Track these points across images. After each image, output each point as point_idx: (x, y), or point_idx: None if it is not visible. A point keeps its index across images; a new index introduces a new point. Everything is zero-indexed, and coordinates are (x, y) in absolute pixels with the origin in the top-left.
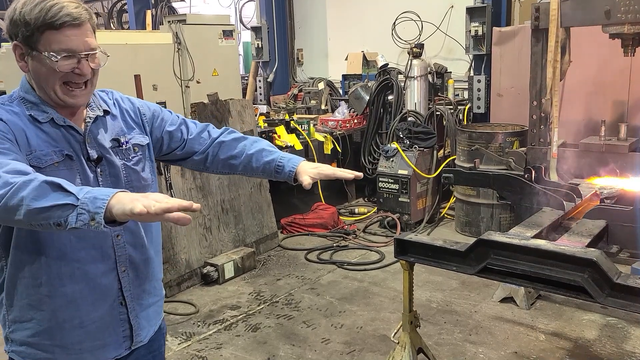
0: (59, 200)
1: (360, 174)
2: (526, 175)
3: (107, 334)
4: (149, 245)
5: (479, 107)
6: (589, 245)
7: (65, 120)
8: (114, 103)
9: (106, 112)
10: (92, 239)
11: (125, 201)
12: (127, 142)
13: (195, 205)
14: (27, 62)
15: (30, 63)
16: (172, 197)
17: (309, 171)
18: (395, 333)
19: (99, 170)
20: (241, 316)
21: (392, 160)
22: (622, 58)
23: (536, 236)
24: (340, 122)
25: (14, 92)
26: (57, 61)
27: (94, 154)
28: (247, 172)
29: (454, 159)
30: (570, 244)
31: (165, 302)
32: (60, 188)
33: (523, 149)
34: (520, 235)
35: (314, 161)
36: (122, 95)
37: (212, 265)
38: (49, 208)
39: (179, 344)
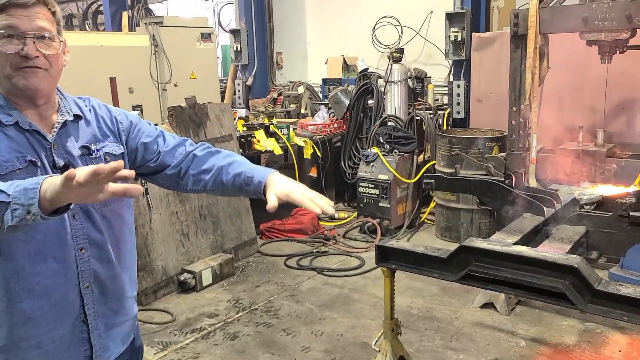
0: None
1: (332, 212)
2: (507, 181)
3: (68, 354)
4: (117, 260)
5: (458, 112)
6: (569, 252)
7: (32, 124)
8: (89, 109)
9: (77, 117)
10: (54, 251)
11: (56, 179)
12: (97, 151)
13: (128, 172)
14: None
15: None
16: (149, 203)
17: (277, 189)
18: (377, 341)
19: None
20: (219, 324)
21: (373, 165)
22: (599, 65)
23: (518, 242)
24: (320, 126)
25: None
26: None
27: (60, 161)
28: (218, 188)
29: (434, 164)
30: (551, 251)
31: (140, 310)
32: None
33: (502, 154)
34: (502, 242)
35: (294, 167)
36: (100, 102)
37: (189, 272)
38: None
39: (154, 353)
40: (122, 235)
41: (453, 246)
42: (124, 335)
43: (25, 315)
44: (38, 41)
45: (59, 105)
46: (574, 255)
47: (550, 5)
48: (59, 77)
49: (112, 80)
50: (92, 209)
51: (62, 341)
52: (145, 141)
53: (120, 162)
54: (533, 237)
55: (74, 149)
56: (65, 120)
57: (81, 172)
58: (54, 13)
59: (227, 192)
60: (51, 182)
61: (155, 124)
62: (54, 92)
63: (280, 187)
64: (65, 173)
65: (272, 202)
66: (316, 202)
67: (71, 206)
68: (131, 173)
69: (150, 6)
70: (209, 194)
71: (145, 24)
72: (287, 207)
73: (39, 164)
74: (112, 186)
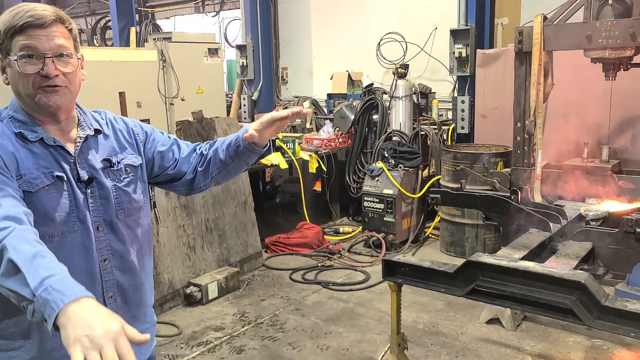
0: (18, 289)
1: (307, 111)
2: (512, 197)
3: None
4: (138, 269)
5: (462, 128)
6: (576, 268)
7: (55, 140)
8: (107, 123)
9: (97, 132)
10: (80, 264)
11: (70, 332)
12: (118, 163)
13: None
14: (7, 73)
15: (8, 73)
16: (157, 216)
17: (252, 127)
18: (383, 355)
19: (89, 191)
20: (225, 338)
21: (377, 180)
22: (603, 81)
23: (524, 258)
24: (325, 140)
25: (1, 110)
26: (16, 60)
27: (84, 174)
28: (220, 169)
29: (439, 179)
30: (558, 266)
31: None
32: (19, 273)
33: (507, 169)
34: (509, 257)
35: (299, 181)
36: (115, 115)
37: (195, 285)
38: (12, 290)
39: None
40: (142, 244)
41: (458, 261)
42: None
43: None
44: (57, 60)
45: (79, 120)
46: (580, 271)
47: (554, 22)
48: (78, 92)
49: (122, 95)
50: (117, 219)
51: None
52: (161, 150)
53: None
54: (539, 253)
55: (95, 162)
56: (87, 135)
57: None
58: (70, 30)
59: (231, 168)
60: (67, 324)
61: (168, 135)
62: (74, 108)
63: (253, 125)
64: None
65: (251, 132)
66: (282, 113)
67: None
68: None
69: (158, 22)
70: (219, 180)
71: (154, 39)
72: (292, 222)
73: (65, 178)
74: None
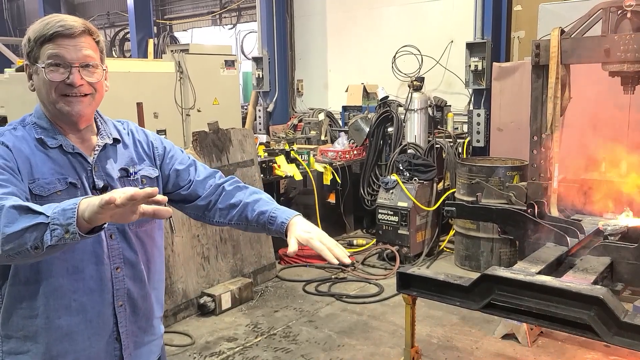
0: (29, 221)
1: (348, 261)
2: (529, 210)
3: None
4: (148, 280)
5: (478, 141)
6: (594, 283)
7: (74, 147)
8: (128, 133)
9: (116, 141)
10: (91, 270)
11: (94, 200)
12: (135, 173)
13: (162, 198)
14: (33, 80)
15: (35, 81)
16: (172, 225)
17: (298, 234)
18: None
19: None
20: (238, 348)
21: (392, 192)
22: (621, 95)
23: (541, 272)
24: (339, 152)
25: (26, 116)
26: (43, 68)
27: (100, 182)
28: (242, 223)
29: (454, 192)
30: (575, 281)
31: None
32: (28, 210)
33: (523, 183)
34: (525, 271)
35: (313, 192)
36: (137, 127)
37: (209, 295)
38: (21, 232)
39: None
40: (152, 257)
41: (473, 275)
42: (150, 354)
43: (62, 332)
44: (82, 69)
45: (99, 128)
46: (599, 286)
47: (572, 36)
48: (100, 103)
49: (139, 105)
50: (128, 229)
51: (97, 358)
52: (178, 168)
53: (155, 189)
54: (556, 267)
55: (112, 171)
56: (106, 143)
57: (119, 195)
58: (97, 42)
59: (250, 228)
60: (89, 203)
61: (188, 156)
62: (93, 116)
63: (301, 232)
64: (106, 198)
65: (292, 247)
66: (334, 251)
67: (105, 225)
68: (164, 198)
69: (176, 34)
70: (232, 227)
71: (172, 51)
72: None
73: (79, 185)
74: (144, 207)
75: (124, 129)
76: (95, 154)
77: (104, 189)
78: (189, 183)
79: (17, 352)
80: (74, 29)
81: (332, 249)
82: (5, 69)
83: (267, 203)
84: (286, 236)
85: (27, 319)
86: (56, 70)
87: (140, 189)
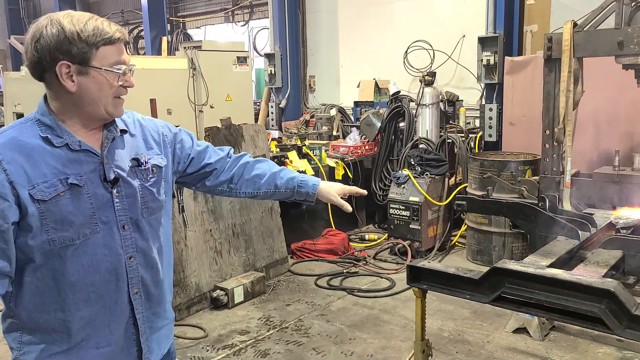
0: (292, 175)
1: (364, 192)
2: (540, 204)
3: (122, 355)
4: (161, 267)
5: (490, 136)
6: (605, 276)
7: (81, 144)
8: (133, 122)
9: (123, 132)
10: (106, 262)
11: (331, 188)
12: (146, 163)
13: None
14: (75, 81)
15: (81, 81)
16: (184, 220)
17: (337, 188)
18: None
19: (114, 191)
20: (250, 341)
21: (404, 187)
22: (635, 88)
23: (551, 265)
24: (351, 148)
25: (29, 115)
26: (106, 70)
27: (111, 174)
28: (270, 190)
29: (466, 187)
30: (586, 274)
31: (174, 325)
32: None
33: (536, 177)
34: (536, 264)
35: None
36: (143, 116)
37: (222, 289)
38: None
39: None
40: (163, 243)
41: (485, 269)
42: (165, 338)
43: (84, 321)
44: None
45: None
46: (610, 279)
47: (584, 29)
48: None
49: (153, 102)
50: (141, 217)
51: (117, 344)
52: (198, 149)
53: (365, 192)
54: (567, 261)
55: (122, 162)
56: (114, 135)
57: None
58: None
59: (277, 195)
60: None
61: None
62: None
63: (338, 188)
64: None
65: (348, 206)
66: (358, 190)
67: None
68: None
69: (189, 31)
70: (258, 197)
71: (185, 48)
72: (318, 228)
73: (82, 184)
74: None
75: (129, 117)
76: (105, 147)
77: (115, 181)
78: (209, 161)
79: (40, 342)
80: (124, 35)
81: (357, 190)
82: (22, 67)
83: (291, 171)
84: (312, 198)
85: (48, 313)
86: (120, 74)
87: (150, 178)
